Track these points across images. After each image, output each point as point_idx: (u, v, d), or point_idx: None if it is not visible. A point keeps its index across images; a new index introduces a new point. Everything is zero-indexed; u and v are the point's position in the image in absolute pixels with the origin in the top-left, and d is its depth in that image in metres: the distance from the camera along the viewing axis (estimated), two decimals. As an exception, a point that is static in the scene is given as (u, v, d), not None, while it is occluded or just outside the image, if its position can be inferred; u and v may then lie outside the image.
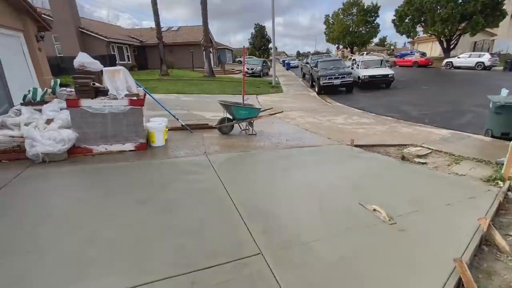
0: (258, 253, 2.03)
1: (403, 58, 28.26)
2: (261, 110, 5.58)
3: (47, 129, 3.93)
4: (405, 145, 5.19)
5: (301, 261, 1.98)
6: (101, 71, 4.38)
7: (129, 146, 4.34)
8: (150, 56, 26.00)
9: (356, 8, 43.61)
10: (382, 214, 2.54)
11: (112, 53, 21.41)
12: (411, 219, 2.53)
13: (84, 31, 20.33)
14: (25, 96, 4.58)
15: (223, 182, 3.25)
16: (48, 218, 2.44)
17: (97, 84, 3.99)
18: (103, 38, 20.39)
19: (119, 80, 4.19)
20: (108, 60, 19.63)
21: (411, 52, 31.38)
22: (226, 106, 5.30)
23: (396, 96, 11.77)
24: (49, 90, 4.76)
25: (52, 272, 1.81)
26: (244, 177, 3.51)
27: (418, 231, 2.35)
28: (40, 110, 4.44)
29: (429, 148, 4.94)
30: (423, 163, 4.29)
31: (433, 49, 36.45)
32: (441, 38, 27.72)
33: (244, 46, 5.78)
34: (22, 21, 8.86)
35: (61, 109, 4.42)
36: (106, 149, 4.23)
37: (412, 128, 6.56)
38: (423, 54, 29.11)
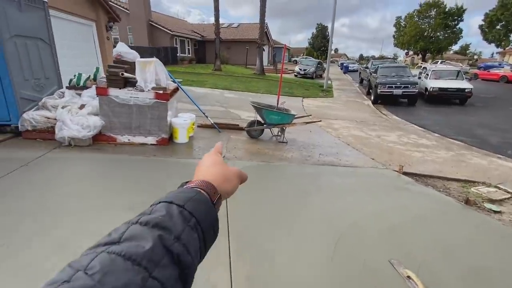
0: (230, 310, 1.57)
1: (488, 71, 23.84)
2: (296, 116, 5.00)
3: (78, 114, 4.04)
4: (474, 182, 4.06)
5: (283, 337, 1.45)
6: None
7: (151, 139, 4.25)
8: (209, 50, 27.05)
9: (435, 10, 38.62)
10: (419, 287, 1.81)
11: (175, 45, 22.85)
12: (464, 304, 1.75)
13: (153, 24, 22.09)
14: (70, 80, 4.86)
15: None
16: (36, 209, 2.36)
17: (126, 74, 3.96)
18: (167, 31, 21.86)
19: (148, 72, 4.09)
20: (170, 52, 21.00)
21: (500, 65, 26.33)
22: (258, 108, 4.87)
23: (471, 115, 9.81)
24: (92, 76, 4.98)
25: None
26: (254, 194, 3.04)
27: (471, 330, 1.59)
28: (80, 95, 4.66)
29: (508, 192, 3.75)
30: (496, 212, 3.23)
31: (532, 62, 30.16)
32: (545, 50, 22.69)
33: (285, 44, 5.25)
34: (95, 12, 9.80)
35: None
36: (129, 140, 4.21)
37: (488, 159, 5.20)
38: (516, 68, 24.15)
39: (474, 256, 2.26)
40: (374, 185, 3.59)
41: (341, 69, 35.14)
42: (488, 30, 25.77)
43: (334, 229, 2.45)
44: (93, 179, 3.10)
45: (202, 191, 0.44)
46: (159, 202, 0.40)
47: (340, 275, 1.91)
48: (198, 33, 27.57)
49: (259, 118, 5.03)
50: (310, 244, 2.23)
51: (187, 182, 0.46)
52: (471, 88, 11.50)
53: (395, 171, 4.14)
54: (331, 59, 19.55)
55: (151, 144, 4.25)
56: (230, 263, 1.92)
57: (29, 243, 1.95)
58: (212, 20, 20.20)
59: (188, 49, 25.95)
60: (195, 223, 0.38)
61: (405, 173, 4.08)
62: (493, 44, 27.59)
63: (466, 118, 9.26)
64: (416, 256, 2.17)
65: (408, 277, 1.90)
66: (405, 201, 3.20)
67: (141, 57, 4.38)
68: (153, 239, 0.33)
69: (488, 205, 3.37)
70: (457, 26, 38.65)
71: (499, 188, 3.87)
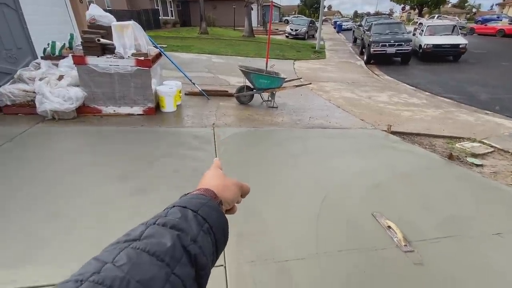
0: (221, 265, 1.68)
1: (485, 25, 23.10)
2: (286, 80, 4.88)
3: (58, 85, 3.86)
4: (459, 138, 4.17)
5: (269, 284, 1.58)
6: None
7: (137, 109, 4.14)
8: (194, 12, 25.28)
9: (435, -42, 35.96)
10: (397, 235, 1.95)
11: (156, 7, 21.22)
12: (437, 248, 1.90)
13: (130, -17, 20.19)
14: (45, 50, 4.55)
15: (218, 163, 2.87)
16: (26, 184, 2.36)
17: (102, 40, 3.71)
18: (147, -9, 20.11)
19: (127, 37, 3.84)
20: (152, 15, 19.59)
21: (498, 17, 25.45)
22: (246, 73, 4.72)
23: (464, 72, 9.72)
24: (67, 44, 4.66)
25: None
26: (243, 159, 3.09)
27: (441, 270, 1.74)
28: (57, 65, 4.41)
29: (491, 146, 3.88)
30: (478, 165, 3.37)
31: (530, 13, 29.19)
32: (545, -1, 21.77)
33: (272, 1, 4.87)
34: (63, -29, 8.84)
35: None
36: (114, 111, 4.10)
37: (475, 116, 5.28)
38: (514, 20, 23.40)
39: (452, 206, 2.40)
40: (362, 145, 3.65)
41: (335, 28, 33.56)
42: (489, -21, 24.38)
43: (321, 188, 2.54)
44: (82, 151, 3.07)
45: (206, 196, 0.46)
46: (173, 206, 0.41)
47: (326, 229, 2.03)
48: (181, -7, 25.48)
49: (248, 83, 4.90)
50: (298, 204, 2.33)
51: (187, 194, 0.47)
52: (466, 44, 11.23)
53: (384, 130, 4.19)
54: (324, 17, 18.56)
55: (138, 114, 4.16)
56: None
57: (23, 213, 1.98)
58: (194, -24, 18.52)
59: (171, 11, 24.20)
60: (208, 228, 0.40)
61: (393, 132, 4.15)
62: (492, -5, 26.28)
63: (458, 76, 9.19)
64: (397, 209, 2.30)
65: (389, 227, 2.03)
66: (391, 159, 3.30)
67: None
68: (172, 238, 0.34)
69: (471, 159, 3.50)
70: (457, -24, 36.42)
71: (483, 143, 3.99)
